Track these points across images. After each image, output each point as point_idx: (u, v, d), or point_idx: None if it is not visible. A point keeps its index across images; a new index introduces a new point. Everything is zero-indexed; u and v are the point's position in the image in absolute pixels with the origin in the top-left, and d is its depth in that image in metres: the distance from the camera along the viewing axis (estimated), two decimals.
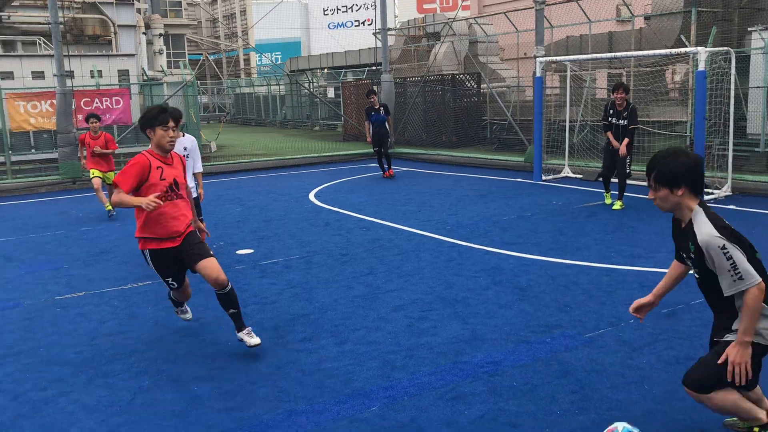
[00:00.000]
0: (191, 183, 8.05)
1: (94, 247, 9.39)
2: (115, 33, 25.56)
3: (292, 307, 6.52)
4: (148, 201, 4.85)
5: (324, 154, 20.15)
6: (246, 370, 5.07)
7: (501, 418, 4.18)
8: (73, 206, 13.13)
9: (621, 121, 10.45)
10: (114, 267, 8.28)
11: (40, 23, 26.90)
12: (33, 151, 17.80)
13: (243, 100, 44.06)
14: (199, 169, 8.29)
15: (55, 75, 15.76)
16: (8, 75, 18.53)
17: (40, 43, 24.58)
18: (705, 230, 3.32)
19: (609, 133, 10.66)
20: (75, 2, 25.00)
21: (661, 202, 3.46)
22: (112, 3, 25.43)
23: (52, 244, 9.71)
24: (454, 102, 21.47)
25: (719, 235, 3.30)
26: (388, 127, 15.26)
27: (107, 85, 18.74)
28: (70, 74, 16.97)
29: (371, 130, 15.24)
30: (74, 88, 16.41)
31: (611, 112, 10.58)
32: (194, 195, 8.06)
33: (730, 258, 3.24)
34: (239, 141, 27.49)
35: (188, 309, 5.95)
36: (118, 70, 20.70)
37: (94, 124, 11.57)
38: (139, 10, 28.28)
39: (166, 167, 5.22)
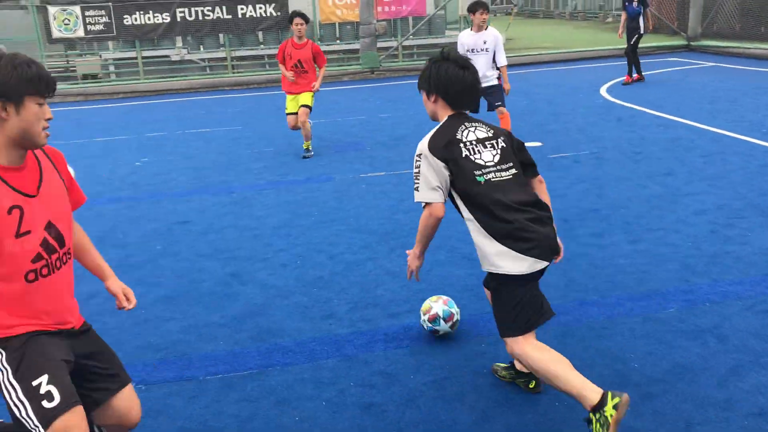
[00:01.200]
0: (490, 75, 7.97)
1: (392, 132, 10.04)
2: None
3: (582, 202, 6.39)
4: None
5: (618, 47, 18.82)
6: None
7: None
8: (372, 94, 14.07)
9: None
10: (411, 150, 8.78)
11: None
12: (338, 42, 19.20)
13: None
14: (503, 62, 7.98)
15: None
16: None
17: None
18: (423, 141, 3.07)
19: None
20: None
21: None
22: None
23: (357, 127, 10.57)
24: None
25: (428, 146, 3.00)
26: (641, 21, 12.74)
27: None
28: None
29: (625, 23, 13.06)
30: None
31: None
32: (494, 85, 8.00)
33: (417, 168, 3.03)
34: (526, 33, 26.82)
35: None
36: None
37: (300, 26, 8.25)
38: None
39: (29, 202, 2.39)
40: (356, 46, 17.66)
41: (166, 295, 4.86)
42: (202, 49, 17.62)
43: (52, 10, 16.12)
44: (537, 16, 40.24)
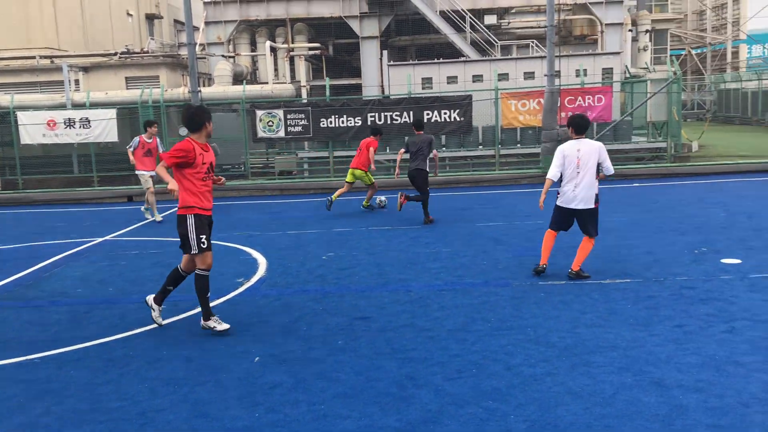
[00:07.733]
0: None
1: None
2: (602, 32, 26.04)
3: None
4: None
5: None
6: (737, 388, 4.67)
7: None
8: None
9: None
10: (590, 261, 8.48)
11: (532, 27, 29.07)
12: (518, 145, 19.39)
13: (726, 96, 40.53)
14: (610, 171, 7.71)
15: (545, 75, 16.85)
16: (504, 76, 20.55)
17: (532, 46, 26.57)
18: None
19: None
20: (566, 4, 26.28)
21: None
22: (601, 2, 25.92)
23: (535, 232, 10.43)
24: None
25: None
26: None
27: (591, 83, 19.25)
28: (558, 74, 17.95)
29: None
30: (561, 87, 17.31)
31: None
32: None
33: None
34: (721, 141, 25.40)
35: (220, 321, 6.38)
36: (602, 69, 21.06)
37: None
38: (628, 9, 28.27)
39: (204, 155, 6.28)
40: (536, 150, 17.71)
41: (344, 392, 4.96)
42: (388, 150, 18.56)
43: (259, 113, 17.90)
44: (732, 122, 38.09)
